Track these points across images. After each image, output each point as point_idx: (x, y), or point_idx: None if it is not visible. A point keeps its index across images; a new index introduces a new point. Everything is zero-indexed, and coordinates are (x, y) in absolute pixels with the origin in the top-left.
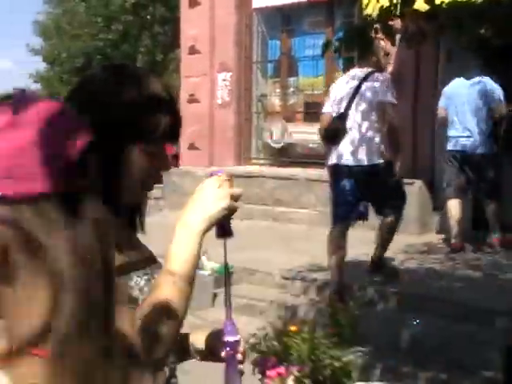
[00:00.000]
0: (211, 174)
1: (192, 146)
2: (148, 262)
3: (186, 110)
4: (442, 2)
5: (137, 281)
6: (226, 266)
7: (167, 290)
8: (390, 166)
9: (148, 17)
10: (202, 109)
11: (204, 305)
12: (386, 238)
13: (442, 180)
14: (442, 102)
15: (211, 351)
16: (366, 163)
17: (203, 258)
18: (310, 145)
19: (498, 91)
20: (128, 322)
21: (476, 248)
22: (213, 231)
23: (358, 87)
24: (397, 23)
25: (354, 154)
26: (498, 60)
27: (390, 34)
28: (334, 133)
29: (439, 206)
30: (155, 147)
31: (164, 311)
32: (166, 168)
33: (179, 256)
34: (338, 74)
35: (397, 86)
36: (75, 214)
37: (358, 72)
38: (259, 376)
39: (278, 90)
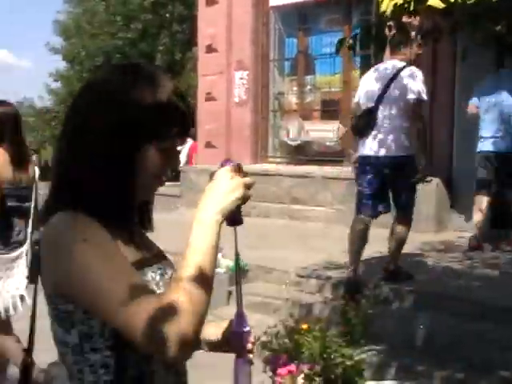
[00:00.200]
0: (222, 165)
1: (209, 144)
2: (159, 258)
3: (202, 108)
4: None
5: (152, 276)
6: (236, 254)
7: (187, 283)
8: (414, 161)
9: (167, 15)
10: (218, 107)
11: (219, 302)
12: (396, 248)
13: (460, 178)
14: (473, 99)
15: (225, 342)
16: (391, 156)
17: (219, 256)
18: (327, 143)
19: None
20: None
21: (494, 246)
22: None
23: (390, 81)
24: (414, 20)
25: (380, 146)
26: None
27: (403, 31)
28: (362, 127)
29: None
30: (168, 144)
31: (184, 305)
32: (176, 165)
33: (198, 249)
34: (354, 72)
35: None
36: None
37: (390, 65)
38: (270, 374)
39: (294, 88)
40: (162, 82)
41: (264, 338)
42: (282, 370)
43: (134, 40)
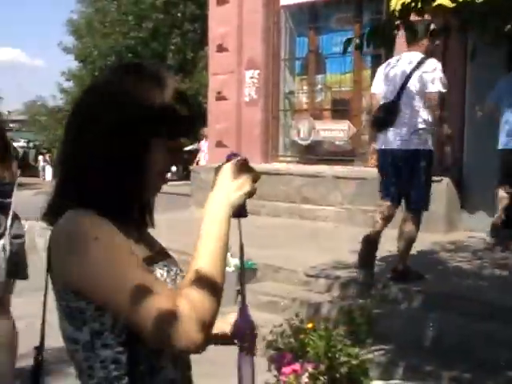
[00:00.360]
0: (227, 159)
1: (219, 144)
2: (162, 255)
3: (213, 107)
4: None
5: (160, 272)
6: (241, 246)
7: (199, 277)
8: (432, 155)
9: (178, 14)
10: (229, 106)
11: (227, 301)
12: (405, 248)
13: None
14: (492, 97)
15: (229, 336)
16: (410, 149)
17: (228, 255)
18: (337, 142)
19: None
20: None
21: (504, 247)
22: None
23: (409, 75)
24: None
25: (399, 139)
26: None
27: (410, 30)
28: (382, 121)
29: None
30: (174, 142)
31: (197, 297)
32: (180, 162)
33: (210, 239)
34: (365, 72)
35: None
36: None
37: (409, 57)
38: (275, 372)
39: (305, 88)
40: (165, 82)
41: (269, 337)
42: (286, 369)
43: (146, 39)
